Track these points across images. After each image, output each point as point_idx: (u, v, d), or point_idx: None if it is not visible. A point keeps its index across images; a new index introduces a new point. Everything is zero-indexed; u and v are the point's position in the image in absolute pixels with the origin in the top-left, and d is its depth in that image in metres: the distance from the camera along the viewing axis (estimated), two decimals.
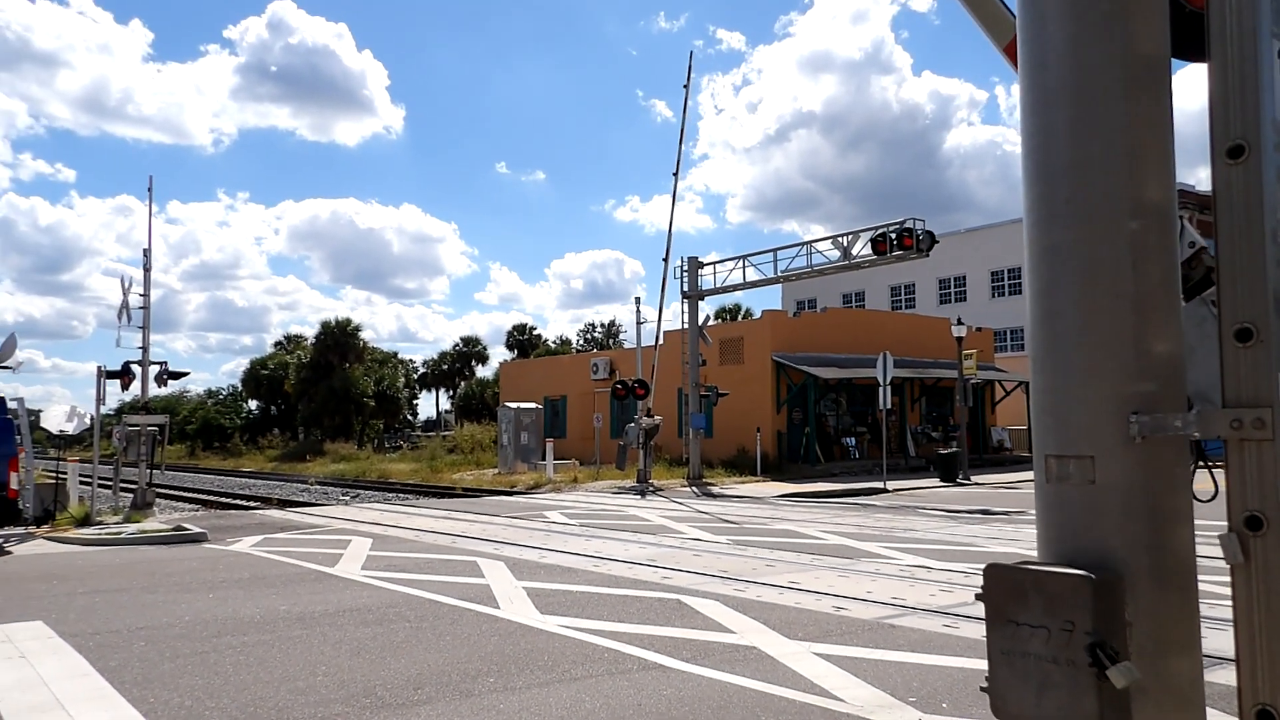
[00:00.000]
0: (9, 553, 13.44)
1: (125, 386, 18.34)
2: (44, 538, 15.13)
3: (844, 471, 29.73)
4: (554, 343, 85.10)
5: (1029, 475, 25.98)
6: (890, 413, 28.35)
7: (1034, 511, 1.93)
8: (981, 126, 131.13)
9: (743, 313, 70.33)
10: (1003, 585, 1.80)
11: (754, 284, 27.94)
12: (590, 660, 6.69)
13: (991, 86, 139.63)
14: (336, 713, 5.56)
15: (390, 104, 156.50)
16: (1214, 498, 1.88)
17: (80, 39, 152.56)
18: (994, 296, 53.86)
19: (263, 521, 18.26)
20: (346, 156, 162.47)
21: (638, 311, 31.58)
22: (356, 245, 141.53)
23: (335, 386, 63.63)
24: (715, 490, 24.44)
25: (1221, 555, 1.68)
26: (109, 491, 19.42)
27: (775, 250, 27.37)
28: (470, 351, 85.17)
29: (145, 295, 18.48)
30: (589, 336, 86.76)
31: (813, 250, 26.52)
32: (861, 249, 24.77)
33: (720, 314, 71.13)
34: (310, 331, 74.96)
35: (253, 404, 77.58)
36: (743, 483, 26.55)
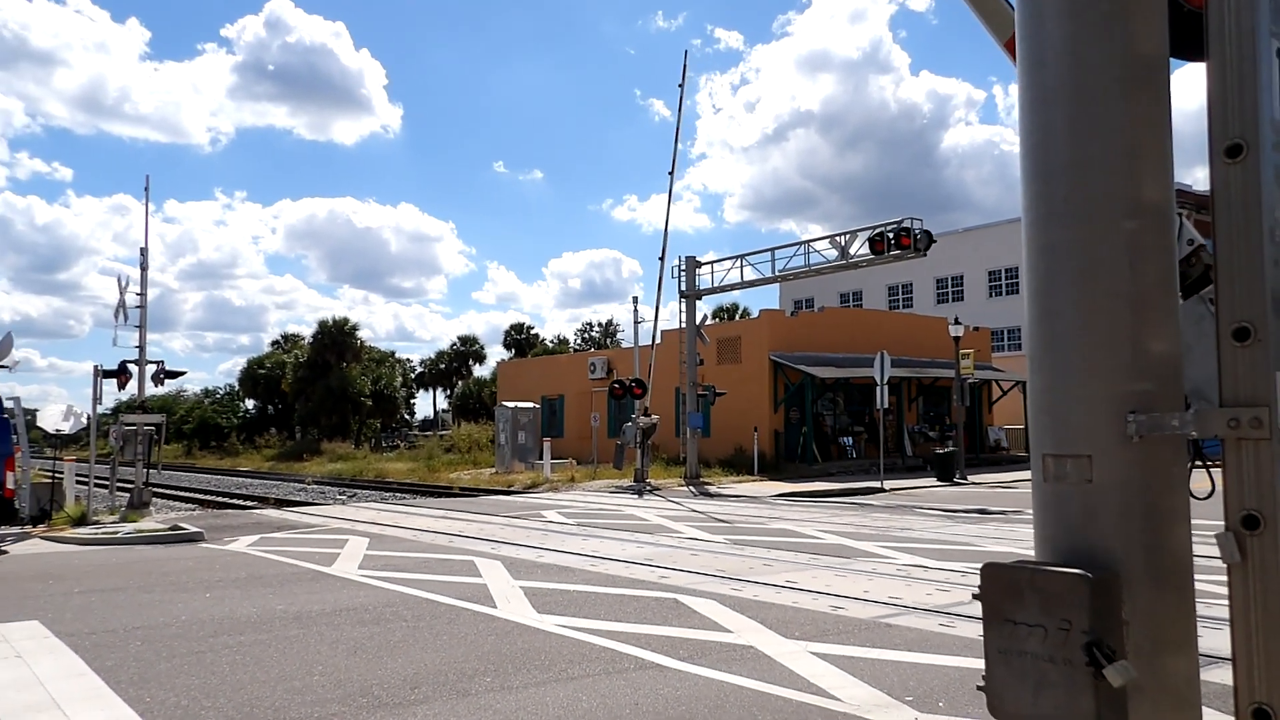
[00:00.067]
0: (5, 552, 13.42)
1: (122, 386, 18.30)
2: (40, 537, 15.11)
3: (841, 471, 29.74)
4: (551, 342, 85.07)
5: (1026, 475, 26.02)
6: (887, 412, 28.38)
7: (1031, 511, 1.93)
8: (979, 126, 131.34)
9: (740, 312, 70.34)
10: (1000, 584, 1.80)
11: (751, 283, 27.94)
12: (587, 659, 6.69)
13: (989, 86, 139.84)
14: (333, 712, 5.55)
15: (388, 103, 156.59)
16: (1210, 495, 1.88)
17: (77, 37, 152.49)
18: (991, 296, 53.93)
19: (260, 521, 18.24)
20: (344, 155, 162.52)
21: (635, 311, 31.64)
22: (354, 244, 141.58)
23: (332, 386, 63.58)
24: (712, 489, 24.44)
25: (1218, 554, 1.69)
26: (105, 491, 19.41)
27: (773, 250, 27.39)
28: (468, 351, 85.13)
29: (142, 294, 18.46)
30: (586, 336, 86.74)
31: (810, 250, 26.54)
32: (859, 248, 24.78)
33: (718, 313, 71.18)
34: (307, 331, 75.01)
35: (250, 403, 77.52)
36: (740, 482, 26.56)
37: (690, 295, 27.95)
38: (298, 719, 5.44)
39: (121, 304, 18.10)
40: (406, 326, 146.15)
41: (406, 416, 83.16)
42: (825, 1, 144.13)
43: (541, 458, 30.07)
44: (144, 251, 18.89)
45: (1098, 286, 1.78)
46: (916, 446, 33.48)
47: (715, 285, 28.50)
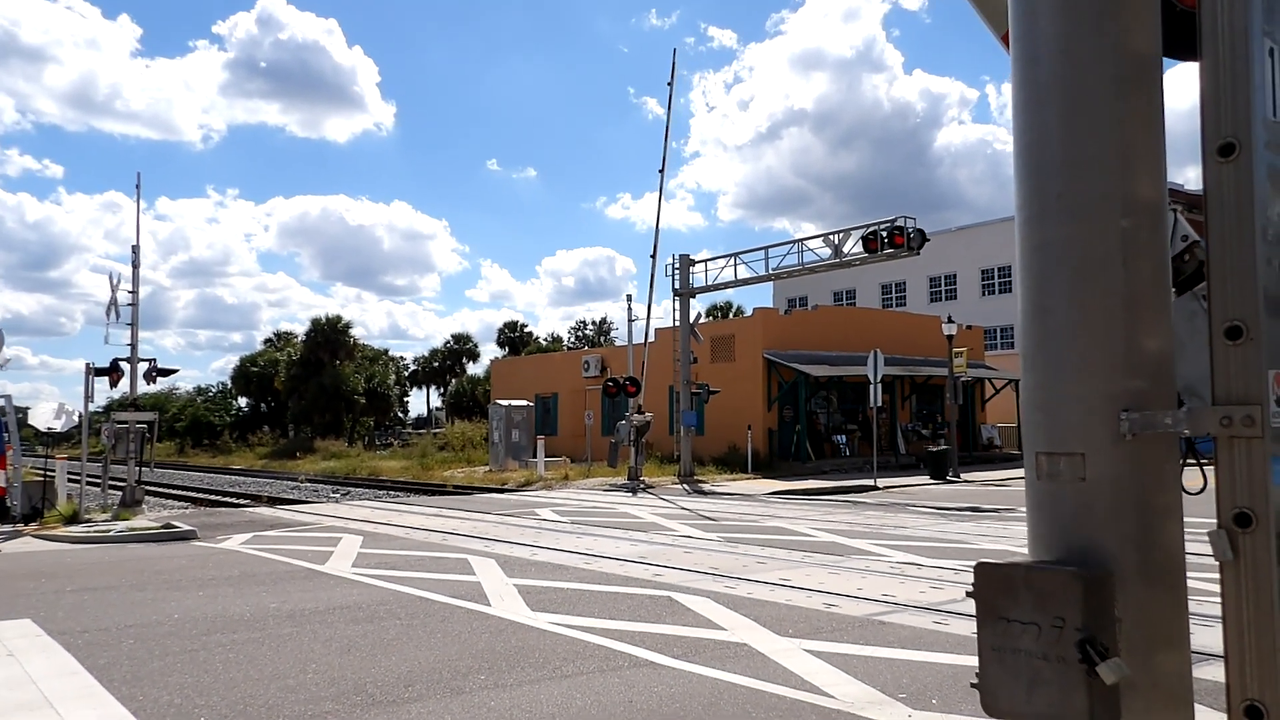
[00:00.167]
0: None
1: (114, 384, 18.25)
2: (32, 535, 15.06)
3: (834, 469, 29.80)
4: (545, 340, 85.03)
5: (1019, 473, 26.08)
6: (881, 410, 28.46)
7: (1024, 509, 1.94)
8: (972, 125, 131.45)
9: (734, 310, 70.40)
10: (993, 582, 1.81)
11: (745, 282, 27.97)
12: (581, 657, 6.69)
13: (982, 85, 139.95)
14: (327, 710, 5.54)
15: (381, 100, 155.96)
16: (1203, 490, 1.89)
17: (68, 34, 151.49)
18: (984, 295, 54.06)
19: (252, 519, 18.20)
20: (337, 153, 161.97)
21: (629, 309, 31.71)
22: (347, 242, 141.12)
23: (325, 384, 63.48)
24: (706, 487, 24.46)
25: (1211, 552, 1.69)
26: (98, 489, 19.32)
27: (766, 248, 27.43)
28: (461, 349, 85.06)
29: (134, 292, 18.39)
30: (580, 334, 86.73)
31: (804, 248, 26.58)
32: (852, 247, 24.83)
33: (711, 311, 71.21)
34: (300, 328, 74.90)
35: (242, 401, 77.37)
36: (734, 480, 26.59)
37: (684, 293, 27.96)
38: (291, 717, 5.43)
39: (113, 302, 18.05)
40: (400, 324, 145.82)
41: (400, 415, 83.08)
42: (818, 0, 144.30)
43: (535, 456, 30.07)
44: (135, 249, 18.83)
45: (1091, 285, 1.79)
46: (910, 444, 33.55)
47: (709, 284, 28.51)
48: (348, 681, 6.15)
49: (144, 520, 16.75)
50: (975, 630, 1.84)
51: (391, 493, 28.80)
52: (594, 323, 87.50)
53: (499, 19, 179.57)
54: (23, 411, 20.07)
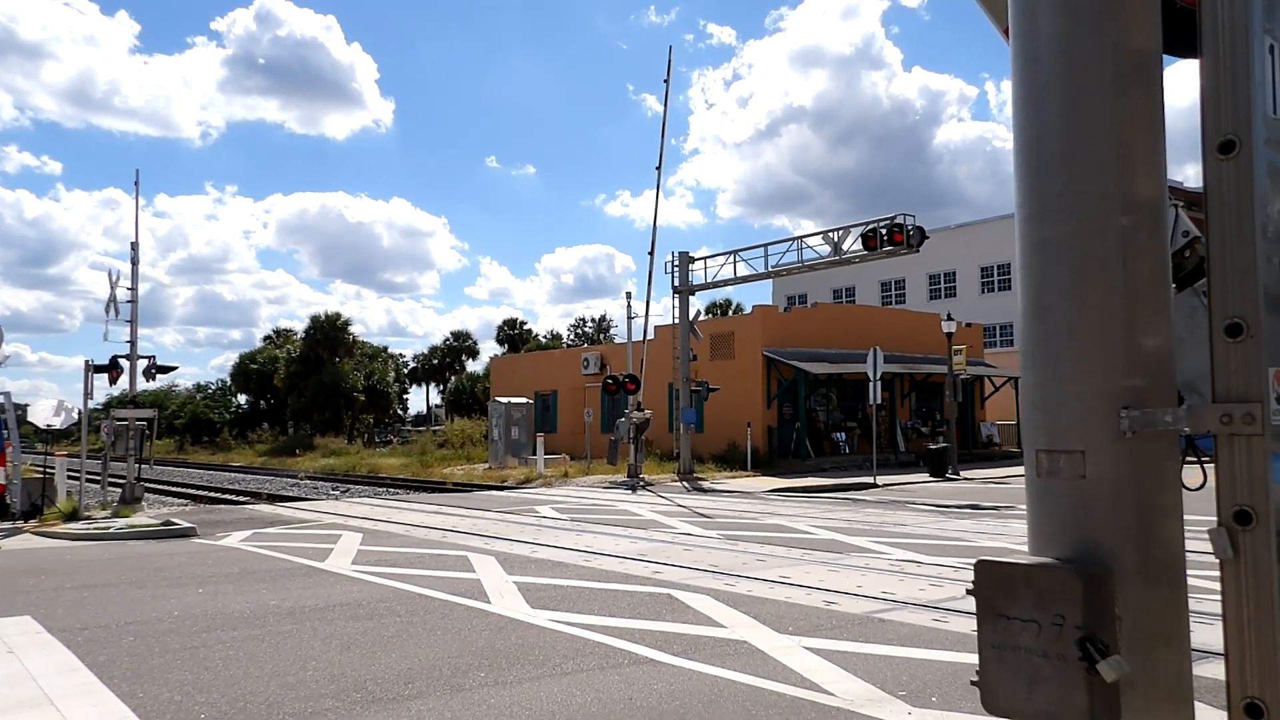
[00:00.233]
0: None
1: (113, 381, 18.26)
2: (32, 532, 15.06)
3: (834, 466, 29.82)
4: (544, 337, 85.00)
5: (1018, 470, 26.10)
6: (880, 408, 28.46)
7: (1023, 507, 1.94)
8: (971, 122, 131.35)
9: (733, 308, 70.41)
10: (993, 580, 1.81)
11: (745, 279, 27.96)
12: (581, 655, 6.69)
13: (981, 82, 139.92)
14: (327, 707, 5.55)
15: (380, 97, 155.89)
16: (1202, 485, 1.89)
17: (66, 30, 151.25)
18: (984, 292, 54.05)
19: (252, 516, 18.20)
20: (336, 150, 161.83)
21: (628, 306, 31.63)
22: (346, 239, 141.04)
23: (325, 381, 63.48)
24: (706, 485, 24.47)
25: (1210, 550, 1.69)
26: (97, 486, 19.32)
27: (766, 245, 27.40)
28: (460, 346, 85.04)
29: (133, 289, 18.38)
30: (580, 331, 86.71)
31: (803, 245, 26.57)
32: (852, 244, 24.82)
33: (711, 309, 71.22)
34: (299, 326, 74.89)
35: (242, 398, 77.37)
36: (733, 478, 26.60)
37: (683, 291, 27.96)
38: (291, 714, 5.44)
39: (112, 298, 18.04)
40: (399, 322, 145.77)
41: (399, 412, 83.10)
42: None
43: (535, 453, 30.07)
44: (134, 246, 18.82)
45: (1091, 282, 1.79)
46: (909, 442, 33.56)
47: (708, 281, 28.50)
48: (348, 678, 6.15)
49: (144, 517, 16.75)
50: (975, 628, 1.84)
51: (391, 490, 28.81)
52: (593, 320, 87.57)
53: (498, 15, 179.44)
54: (22, 408, 20.06)
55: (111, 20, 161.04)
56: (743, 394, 31.15)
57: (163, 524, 15.48)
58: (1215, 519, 1.69)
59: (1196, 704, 1.82)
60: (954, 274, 55.55)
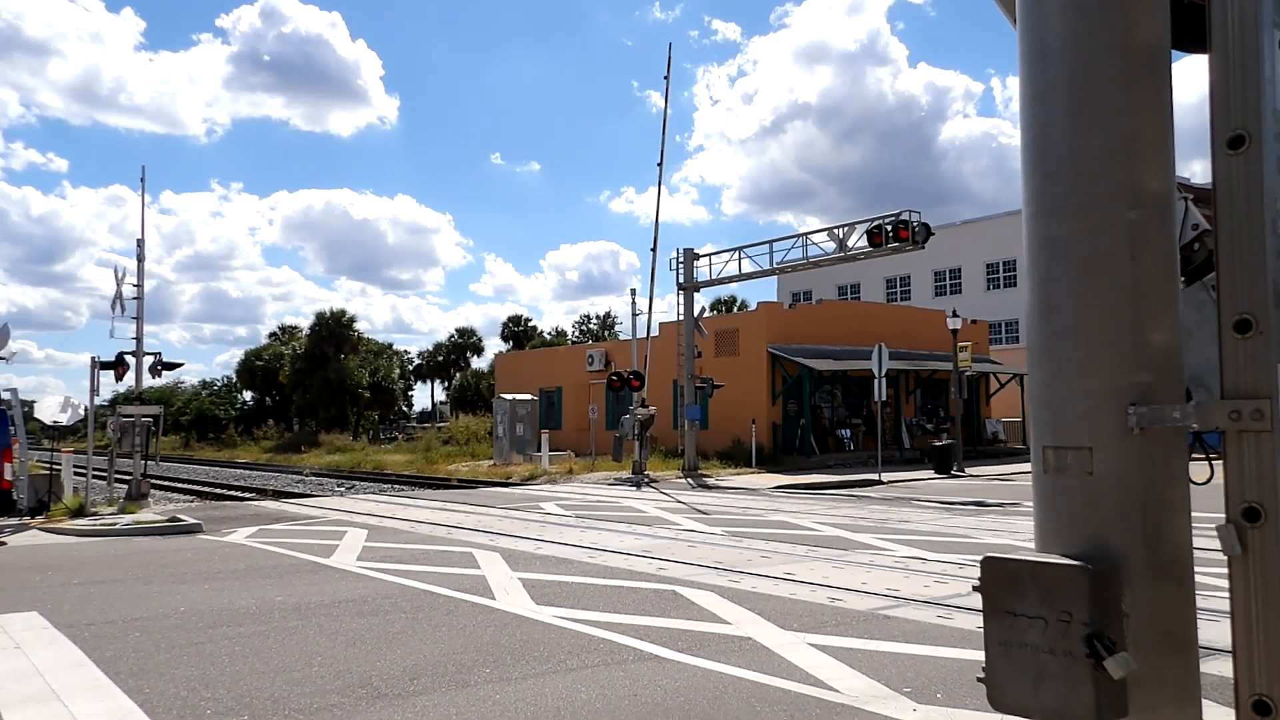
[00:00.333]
0: (3, 543, 13.42)
1: (119, 377, 18.30)
2: (39, 529, 15.11)
3: (839, 463, 29.80)
4: (549, 334, 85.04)
5: (1023, 467, 26.06)
6: (885, 405, 28.40)
7: (1028, 504, 1.93)
8: (977, 119, 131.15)
9: (738, 305, 70.37)
10: (1000, 576, 1.80)
11: (749, 276, 27.92)
12: (586, 651, 6.70)
13: (987, 79, 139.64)
14: (332, 703, 5.56)
15: (384, 94, 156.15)
16: (1209, 480, 1.88)
17: (72, 27, 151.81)
18: (989, 289, 53.94)
19: (258, 512, 18.24)
20: (341, 147, 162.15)
21: (633, 303, 31.65)
22: (351, 236, 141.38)
23: (330, 378, 63.56)
24: (710, 482, 24.47)
25: (1219, 547, 1.69)
26: (103, 482, 19.39)
27: (771, 242, 27.36)
28: (465, 343, 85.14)
29: (139, 286, 18.43)
30: (584, 328, 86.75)
31: (808, 242, 26.53)
32: (857, 241, 24.77)
33: (716, 306, 71.19)
34: (305, 322, 75.01)
35: (247, 395, 77.57)
36: (738, 474, 26.59)
37: (688, 288, 27.94)
38: (297, 709, 5.45)
39: (118, 295, 18.09)
40: (404, 318, 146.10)
41: (404, 408, 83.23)
42: None
43: (539, 450, 30.09)
44: (140, 243, 18.87)
45: (1099, 279, 1.78)
46: (914, 439, 33.52)
47: (713, 278, 28.48)
48: (353, 674, 6.16)
49: (150, 513, 16.79)
50: (981, 624, 1.83)
51: (396, 486, 28.85)
52: (598, 317, 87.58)
53: (502, 13, 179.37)
54: (29, 405, 20.11)
55: (117, 17, 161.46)
56: (748, 390, 31.13)
57: (169, 520, 15.51)
58: (1223, 515, 1.68)
59: (1204, 701, 1.81)
60: (959, 270, 55.43)
